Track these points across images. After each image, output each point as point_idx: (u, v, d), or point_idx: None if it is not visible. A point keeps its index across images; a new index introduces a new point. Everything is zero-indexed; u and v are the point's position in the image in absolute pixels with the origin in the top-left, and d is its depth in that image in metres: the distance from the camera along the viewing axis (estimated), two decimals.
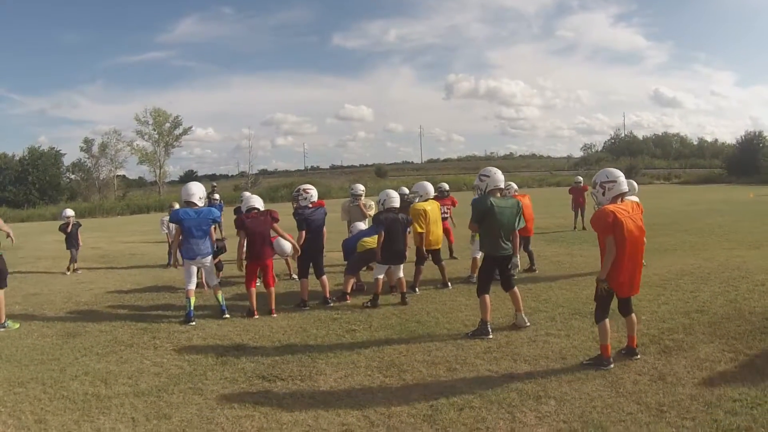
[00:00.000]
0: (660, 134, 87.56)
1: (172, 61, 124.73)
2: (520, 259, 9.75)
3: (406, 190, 14.11)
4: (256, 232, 7.68)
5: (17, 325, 7.60)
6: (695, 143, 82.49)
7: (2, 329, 7.43)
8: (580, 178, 18.13)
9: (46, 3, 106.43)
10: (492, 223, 6.43)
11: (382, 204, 8.40)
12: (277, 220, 7.87)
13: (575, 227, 16.68)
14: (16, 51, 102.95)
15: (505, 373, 5.26)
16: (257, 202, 7.98)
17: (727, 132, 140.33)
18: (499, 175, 6.63)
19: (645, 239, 5.49)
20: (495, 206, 6.39)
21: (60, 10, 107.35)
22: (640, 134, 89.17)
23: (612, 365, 5.17)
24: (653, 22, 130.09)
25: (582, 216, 16.81)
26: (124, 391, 5.13)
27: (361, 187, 10.77)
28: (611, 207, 5.20)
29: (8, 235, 7.85)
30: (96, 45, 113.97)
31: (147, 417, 4.59)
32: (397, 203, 8.39)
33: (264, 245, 7.76)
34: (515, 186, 9.86)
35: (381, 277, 8.21)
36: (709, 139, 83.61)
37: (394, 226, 8.11)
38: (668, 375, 5.00)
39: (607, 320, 5.30)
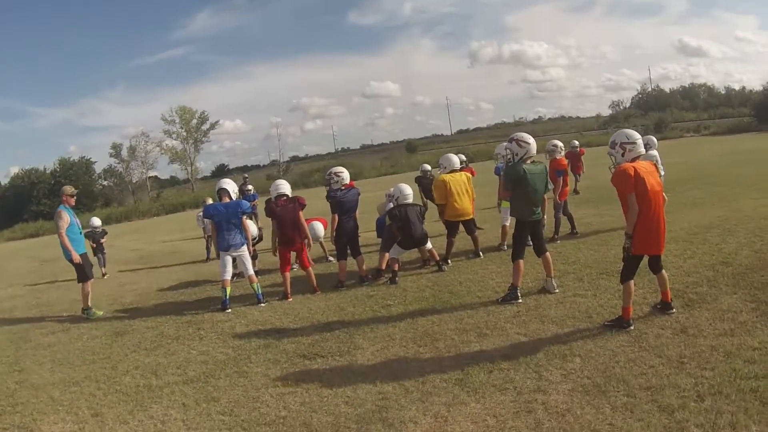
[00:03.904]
0: (687, 86, 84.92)
1: (191, 56, 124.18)
2: (562, 224, 9.93)
3: (428, 167, 14.34)
4: (286, 219, 7.95)
5: (101, 312, 8.68)
6: (723, 92, 79.98)
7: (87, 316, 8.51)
8: (576, 143, 17.76)
9: (58, 14, 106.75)
10: (524, 190, 6.51)
11: (396, 200, 8.60)
12: (303, 206, 8.13)
13: (576, 191, 16.37)
14: (33, 64, 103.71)
15: (534, 335, 5.43)
16: (286, 189, 8.24)
17: (755, 78, 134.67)
18: (534, 144, 6.72)
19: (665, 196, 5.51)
20: (527, 173, 6.48)
21: (72, 20, 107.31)
22: (667, 87, 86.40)
23: (632, 327, 5.23)
24: None
25: (577, 180, 16.79)
26: (173, 380, 5.45)
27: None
28: (632, 164, 5.23)
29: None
30: (112, 50, 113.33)
31: (197, 401, 4.90)
32: (410, 199, 8.59)
33: (294, 231, 8.03)
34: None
35: (397, 257, 8.48)
36: (736, 87, 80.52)
37: (409, 216, 8.34)
38: (690, 328, 5.09)
39: (632, 282, 5.33)
